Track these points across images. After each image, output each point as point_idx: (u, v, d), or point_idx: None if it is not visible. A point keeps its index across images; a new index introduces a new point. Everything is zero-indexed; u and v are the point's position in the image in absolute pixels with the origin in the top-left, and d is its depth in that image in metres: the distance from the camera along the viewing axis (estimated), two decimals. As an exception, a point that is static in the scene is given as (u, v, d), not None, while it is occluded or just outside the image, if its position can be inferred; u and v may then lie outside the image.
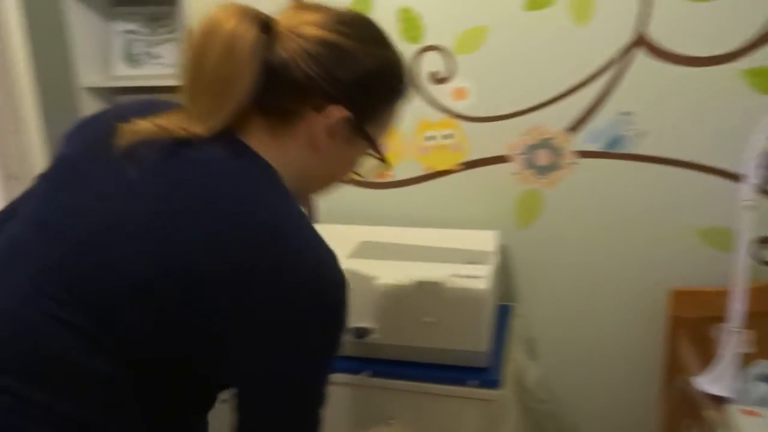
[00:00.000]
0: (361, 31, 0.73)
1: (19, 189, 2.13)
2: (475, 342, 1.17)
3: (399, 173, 1.58)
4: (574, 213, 1.48)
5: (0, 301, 0.66)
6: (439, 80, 1.48)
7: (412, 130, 1.53)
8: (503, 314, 1.46)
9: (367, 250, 1.36)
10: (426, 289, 1.17)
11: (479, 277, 1.18)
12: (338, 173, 0.83)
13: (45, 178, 0.75)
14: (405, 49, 1.45)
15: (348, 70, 0.70)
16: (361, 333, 1.23)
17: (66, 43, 1.91)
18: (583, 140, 1.43)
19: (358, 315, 1.23)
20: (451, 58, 1.46)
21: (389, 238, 1.45)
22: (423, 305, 1.17)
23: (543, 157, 1.46)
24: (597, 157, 1.43)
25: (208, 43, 0.66)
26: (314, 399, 0.73)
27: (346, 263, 1.20)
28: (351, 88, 0.71)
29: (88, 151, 0.73)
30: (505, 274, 1.55)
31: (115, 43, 1.91)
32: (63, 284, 0.64)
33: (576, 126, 1.42)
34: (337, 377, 1.25)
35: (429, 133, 1.52)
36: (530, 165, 1.48)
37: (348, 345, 1.24)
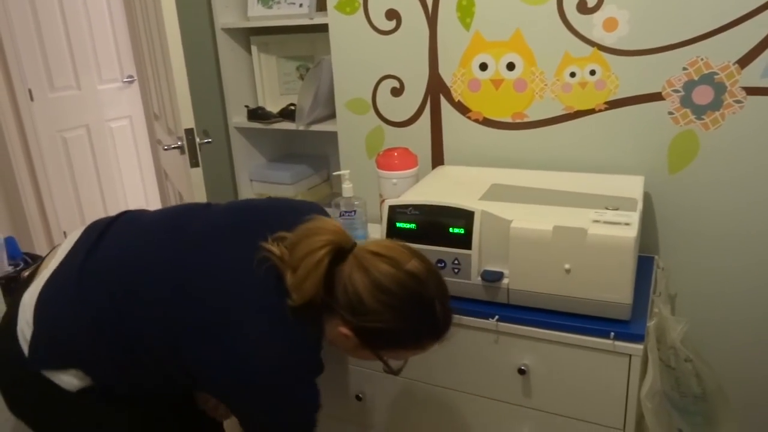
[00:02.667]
0: (393, 299, 0.94)
1: (161, 128, 2.26)
2: (619, 293, 1.10)
3: (535, 113, 1.49)
4: (732, 158, 1.32)
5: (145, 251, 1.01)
6: (587, 9, 1.35)
7: (552, 67, 1.43)
8: (645, 266, 1.36)
9: (498, 193, 1.31)
10: (566, 235, 1.10)
11: (626, 224, 1.09)
12: (361, 358, 1.06)
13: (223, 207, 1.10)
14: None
15: (361, 319, 0.95)
16: (492, 277, 1.20)
17: (205, -16, 1.97)
18: (755, 75, 1.25)
19: (490, 258, 1.20)
20: (601, -15, 1.33)
21: (522, 181, 1.39)
22: (562, 252, 1.12)
23: (703, 95, 1.31)
24: (771, 94, 1.25)
25: (302, 250, 0.94)
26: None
27: (477, 205, 1.18)
28: (362, 329, 0.96)
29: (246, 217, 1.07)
30: (647, 223, 1.44)
31: (250, -17, 1.95)
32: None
33: (748, 58, 1.25)
34: (465, 320, 1.24)
35: (571, 69, 1.41)
36: (687, 103, 1.33)
37: (478, 289, 1.22)
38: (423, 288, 0.96)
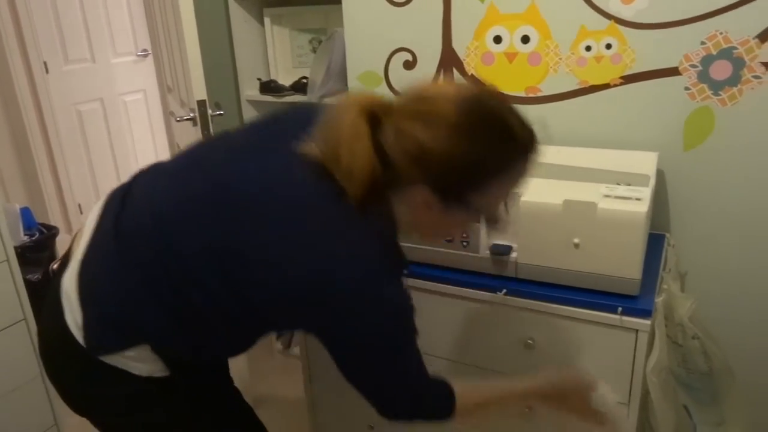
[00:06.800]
0: (453, 128, 0.78)
1: (174, 100, 2.27)
2: (628, 268, 1.10)
3: (548, 88, 1.47)
4: (748, 136, 1.30)
5: (159, 205, 0.89)
6: (604, -19, 1.33)
7: (567, 40, 1.41)
8: (655, 243, 1.35)
9: (510, 167, 1.30)
10: (576, 209, 1.10)
11: (638, 199, 1.08)
12: (445, 232, 0.96)
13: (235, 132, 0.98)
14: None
15: (431, 167, 0.80)
16: (501, 250, 1.20)
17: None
18: (775, 50, 1.23)
19: (499, 232, 1.20)
20: (619, -44, 1.30)
21: (534, 156, 1.38)
22: (571, 226, 1.11)
23: (721, 70, 1.28)
24: (791, 69, 1.23)
25: (334, 131, 0.81)
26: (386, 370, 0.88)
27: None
28: (437, 179, 0.81)
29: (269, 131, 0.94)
30: (660, 200, 1.42)
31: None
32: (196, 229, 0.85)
33: (768, 33, 1.22)
34: (472, 293, 1.25)
35: (587, 43, 1.39)
36: (704, 79, 1.30)
37: (486, 262, 1.22)
38: (479, 102, 0.81)
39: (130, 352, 0.87)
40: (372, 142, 0.79)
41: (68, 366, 0.92)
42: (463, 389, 0.95)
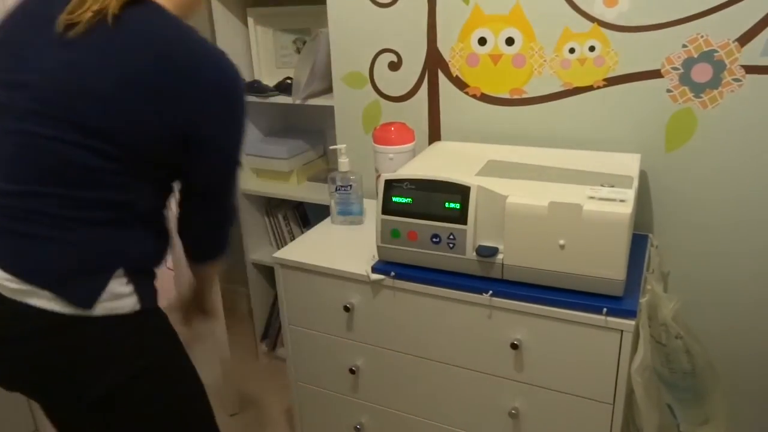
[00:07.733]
0: None
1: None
2: (613, 269, 1.10)
3: (533, 89, 1.48)
4: (729, 137, 1.32)
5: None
6: (588, -16, 1.34)
7: (551, 42, 1.42)
8: (639, 244, 1.37)
9: (495, 169, 1.31)
10: (561, 211, 1.11)
11: (622, 201, 1.09)
12: None
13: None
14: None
15: None
16: (487, 252, 1.20)
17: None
18: (755, 53, 1.25)
19: (485, 233, 1.20)
20: (602, -41, 1.31)
21: (518, 157, 1.39)
22: (557, 227, 1.12)
23: (702, 73, 1.30)
24: (770, 73, 1.25)
25: None
26: (235, 162, 1.07)
27: (473, 181, 1.17)
28: None
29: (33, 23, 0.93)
30: (643, 200, 1.44)
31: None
32: (48, 112, 0.87)
33: (748, 36, 1.24)
34: (458, 295, 1.25)
35: (570, 45, 1.40)
36: (686, 81, 1.32)
37: (472, 264, 1.23)
38: None
39: (112, 286, 0.90)
40: None
41: (53, 345, 0.88)
42: None
